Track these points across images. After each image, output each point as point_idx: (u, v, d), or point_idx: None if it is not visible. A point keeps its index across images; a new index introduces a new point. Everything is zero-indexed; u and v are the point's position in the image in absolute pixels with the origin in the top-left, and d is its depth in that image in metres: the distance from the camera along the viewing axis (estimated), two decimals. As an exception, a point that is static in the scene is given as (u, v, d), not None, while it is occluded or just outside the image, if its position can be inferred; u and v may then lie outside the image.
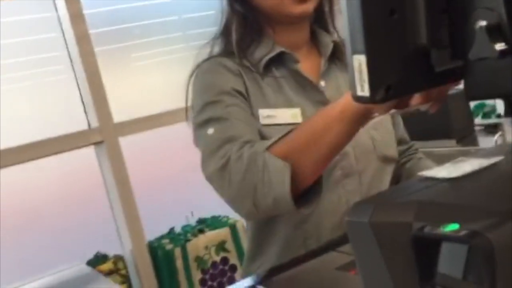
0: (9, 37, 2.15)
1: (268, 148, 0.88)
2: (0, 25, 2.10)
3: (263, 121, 1.00)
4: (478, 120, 2.12)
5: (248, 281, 0.93)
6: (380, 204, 0.56)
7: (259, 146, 0.89)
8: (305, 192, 0.89)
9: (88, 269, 1.35)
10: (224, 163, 0.90)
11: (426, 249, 0.50)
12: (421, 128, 1.29)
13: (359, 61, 0.50)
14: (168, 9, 2.55)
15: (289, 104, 1.02)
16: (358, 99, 0.53)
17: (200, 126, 0.99)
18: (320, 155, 0.85)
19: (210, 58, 1.07)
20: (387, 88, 0.50)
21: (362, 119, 0.80)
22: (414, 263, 0.51)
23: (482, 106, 2.27)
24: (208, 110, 0.99)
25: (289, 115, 1.00)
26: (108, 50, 2.34)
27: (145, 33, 2.47)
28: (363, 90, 0.51)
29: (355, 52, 0.50)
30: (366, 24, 0.48)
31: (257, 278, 0.93)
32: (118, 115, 2.25)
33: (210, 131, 0.96)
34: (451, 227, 0.48)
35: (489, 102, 2.25)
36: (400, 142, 1.17)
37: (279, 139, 0.88)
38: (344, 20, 0.50)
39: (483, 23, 0.44)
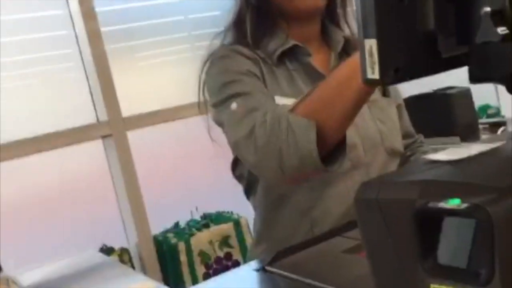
0: (20, 34, 2.20)
1: (291, 110, 0.88)
2: (12, 23, 2.14)
3: None
4: (482, 120, 2.15)
5: (253, 264, 0.95)
6: (386, 183, 0.59)
7: (282, 109, 0.90)
8: (330, 154, 0.89)
9: (101, 256, 1.39)
10: (250, 129, 0.91)
11: (429, 224, 0.53)
12: (425, 125, 1.32)
13: (370, 45, 0.53)
14: (174, 9, 2.58)
15: (301, 96, 1.05)
16: (369, 81, 0.56)
17: (221, 103, 1.00)
18: (343, 110, 0.85)
19: (224, 45, 1.10)
20: (396, 70, 0.54)
21: None
22: (417, 237, 0.54)
23: (486, 108, 2.30)
24: (228, 89, 1.00)
25: None
26: (114, 48, 2.37)
27: (151, 32, 2.51)
28: (374, 73, 0.54)
29: (366, 36, 0.53)
30: (377, 10, 0.51)
31: (262, 261, 0.94)
32: (126, 112, 2.29)
33: (234, 106, 0.97)
34: (453, 202, 0.51)
35: (493, 103, 2.28)
36: (406, 135, 1.19)
37: (300, 101, 0.89)
38: (357, 5, 0.53)
39: (487, 9, 0.47)
